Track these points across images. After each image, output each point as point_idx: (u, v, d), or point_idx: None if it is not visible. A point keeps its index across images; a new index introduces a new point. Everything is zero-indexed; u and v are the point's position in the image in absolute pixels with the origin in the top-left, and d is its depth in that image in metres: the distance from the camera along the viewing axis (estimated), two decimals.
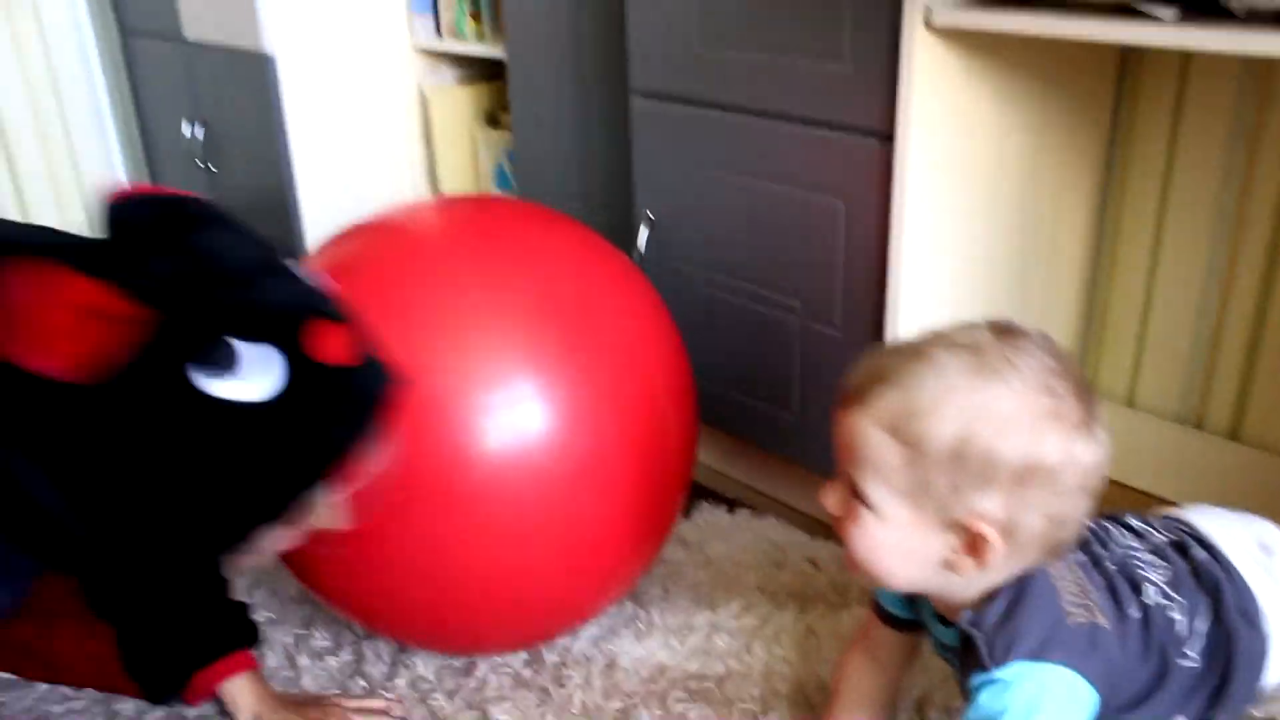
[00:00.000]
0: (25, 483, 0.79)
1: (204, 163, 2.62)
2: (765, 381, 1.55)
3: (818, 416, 1.50)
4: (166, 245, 0.81)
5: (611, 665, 1.31)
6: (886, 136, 1.28)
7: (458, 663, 1.32)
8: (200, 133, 2.59)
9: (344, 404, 0.87)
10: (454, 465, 1.08)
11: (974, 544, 0.88)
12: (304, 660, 1.34)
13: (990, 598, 0.92)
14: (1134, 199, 1.58)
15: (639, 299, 1.24)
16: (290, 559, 1.21)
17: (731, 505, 1.64)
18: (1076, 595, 0.92)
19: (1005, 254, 1.46)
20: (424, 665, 1.32)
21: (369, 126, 2.39)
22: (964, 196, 1.36)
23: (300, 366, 0.82)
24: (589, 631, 1.36)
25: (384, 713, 1.24)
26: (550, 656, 1.33)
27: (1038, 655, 0.88)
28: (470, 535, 1.11)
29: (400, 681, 1.30)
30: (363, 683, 1.30)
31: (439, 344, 1.10)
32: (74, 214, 2.94)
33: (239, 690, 1.20)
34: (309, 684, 1.30)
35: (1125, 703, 0.94)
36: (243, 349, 0.79)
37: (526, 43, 1.93)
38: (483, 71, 2.40)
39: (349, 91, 2.34)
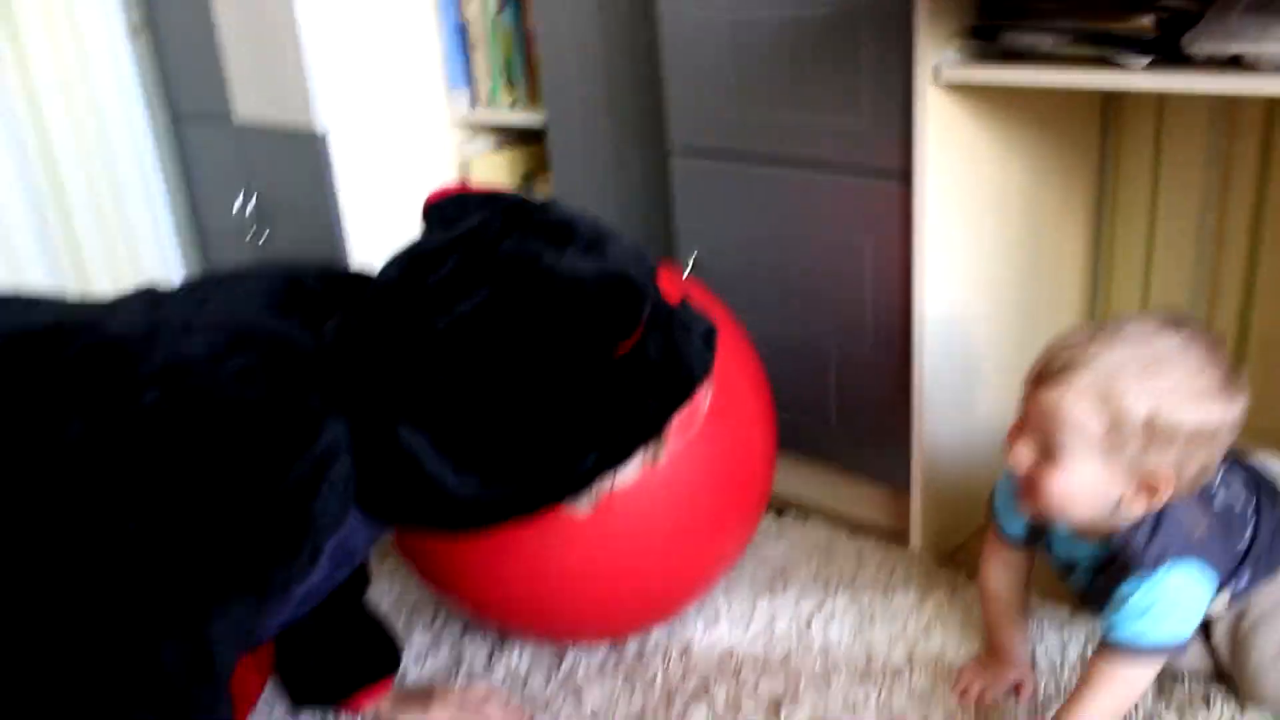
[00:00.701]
0: (418, 454, 0.91)
1: (255, 236, 2.82)
2: (806, 400, 1.73)
3: (853, 429, 1.69)
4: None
5: (686, 650, 1.48)
6: (904, 179, 1.48)
7: (549, 653, 1.49)
8: (251, 207, 2.79)
9: (689, 336, 1.01)
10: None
11: (1151, 490, 1.11)
12: (406, 658, 1.51)
13: (1137, 524, 1.15)
14: (1125, 223, 1.78)
15: (727, 332, 1.41)
16: (409, 553, 1.39)
17: (780, 511, 1.81)
18: (1190, 506, 1.17)
19: (1013, 276, 1.65)
20: (518, 657, 1.49)
21: (415, 196, 2.58)
22: (974, 227, 1.55)
23: (656, 309, 0.96)
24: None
25: (488, 699, 1.38)
26: (630, 646, 1.50)
27: (1179, 557, 1.13)
28: (574, 530, 1.28)
29: (499, 669, 1.47)
30: (464, 672, 1.47)
31: None
32: (128, 283, 3.12)
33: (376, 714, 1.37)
34: (411, 678, 1.47)
35: (1224, 578, 1.20)
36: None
37: (564, 108, 2.13)
38: (519, 137, 2.61)
39: (395, 164, 2.54)
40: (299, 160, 2.54)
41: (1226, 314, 1.70)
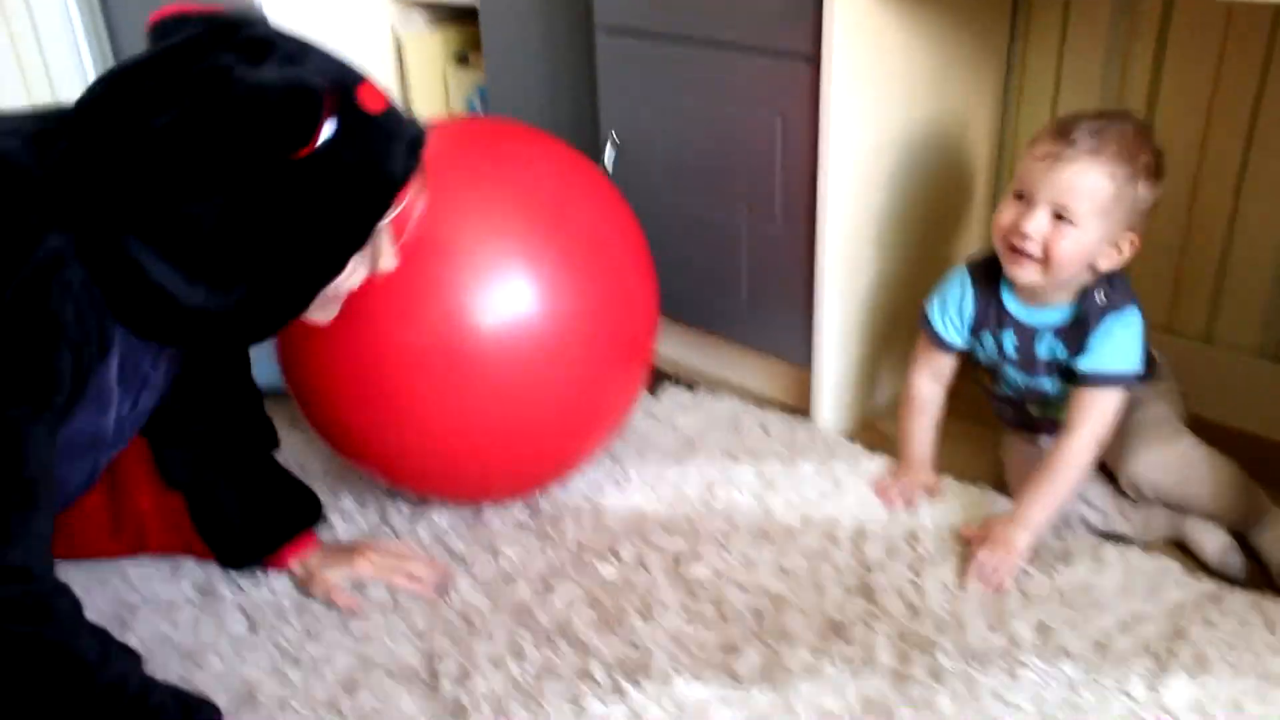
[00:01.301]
0: (143, 263, 0.99)
1: None
2: (719, 277, 1.81)
3: (764, 304, 1.77)
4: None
5: (598, 511, 1.58)
6: (814, 60, 1.53)
7: (468, 513, 1.58)
8: None
9: (390, 142, 1.07)
10: (459, 336, 1.32)
11: (1119, 250, 1.38)
12: (336, 518, 1.59)
13: (1096, 282, 1.41)
14: (1028, 111, 1.86)
15: (607, 199, 1.48)
16: (325, 432, 1.46)
17: (692, 386, 1.90)
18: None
19: (918, 158, 1.72)
20: (439, 517, 1.58)
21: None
22: (880, 108, 1.61)
23: (352, 117, 1.03)
24: (577, 486, 1.63)
25: (410, 557, 1.48)
26: (545, 506, 1.59)
27: (1132, 302, 1.41)
28: (474, 393, 1.35)
29: (421, 530, 1.56)
30: (389, 532, 1.56)
31: (444, 236, 1.33)
32: None
33: (306, 565, 1.46)
34: (342, 536, 1.56)
35: None
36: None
37: None
38: (451, 15, 2.62)
39: (329, 37, 2.54)
40: None
41: None
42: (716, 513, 1.56)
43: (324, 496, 1.62)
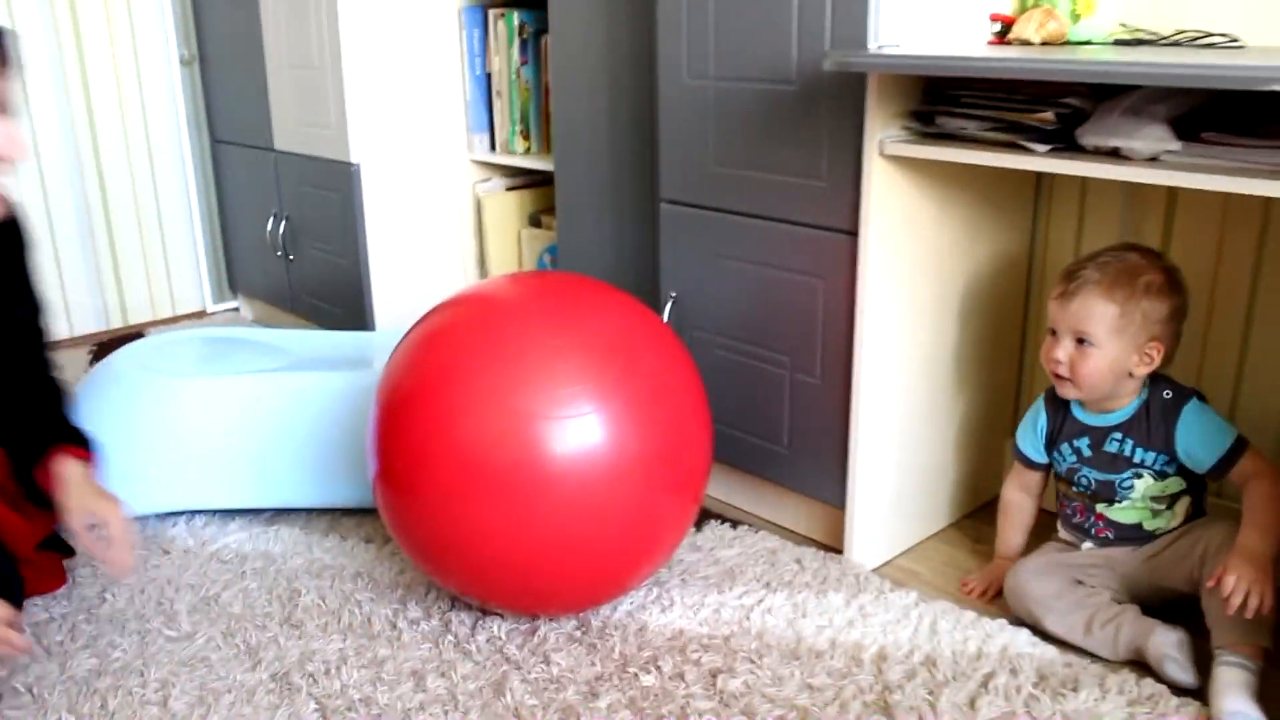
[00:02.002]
0: None
1: (283, 253, 3.08)
2: (761, 423, 1.98)
3: (803, 450, 1.93)
4: None
5: (643, 629, 1.72)
6: (852, 233, 1.73)
7: (524, 625, 1.73)
8: (282, 230, 3.05)
9: None
10: (532, 465, 1.50)
11: (1149, 358, 1.61)
12: (402, 624, 1.74)
13: (1145, 385, 1.66)
14: (1051, 283, 2.02)
15: (671, 348, 1.67)
16: (408, 542, 1.62)
17: (735, 524, 2.05)
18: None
19: (947, 321, 1.90)
20: (498, 626, 1.72)
21: (431, 224, 2.85)
22: (913, 275, 1.80)
23: None
24: (624, 606, 1.77)
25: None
26: (595, 623, 1.73)
27: (1196, 394, 1.66)
28: (543, 516, 1.52)
29: (480, 636, 1.70)
30: (452, 639, 1.70)
31: (523, 374, 1.52)
32: (161, 292, 3.40)
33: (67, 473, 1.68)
34: (409, 641, 1.70)
35: None
36: None
37: (571, 157, 2.39)
38: (528, 180, 2.88)
39: (416, 196, 2.81)
40: (331, 188, 2.80)
41: None
42: (751, 634, 1.69)
43: (392, 605, 1.79)
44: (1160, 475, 1.67)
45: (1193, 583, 1.63)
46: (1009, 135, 1.55)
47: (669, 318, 2.08)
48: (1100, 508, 1.72)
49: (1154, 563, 1.69)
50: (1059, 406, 1.75)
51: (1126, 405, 1.68)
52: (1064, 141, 1.51)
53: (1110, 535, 1.72)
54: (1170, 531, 1.70)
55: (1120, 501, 1.70)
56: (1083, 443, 1.72)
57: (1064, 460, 1.76)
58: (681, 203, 2.02)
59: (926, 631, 1.69)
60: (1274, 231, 1.73)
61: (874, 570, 1.91)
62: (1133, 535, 1.71)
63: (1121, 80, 1.36)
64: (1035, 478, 1.84)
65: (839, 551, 1.93)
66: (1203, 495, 1.73)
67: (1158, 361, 1.62)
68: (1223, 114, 1.42)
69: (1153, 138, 1.42)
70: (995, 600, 1.81)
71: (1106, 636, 1.62)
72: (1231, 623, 1.53)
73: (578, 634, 1.71)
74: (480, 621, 1.74)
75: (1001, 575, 1.79)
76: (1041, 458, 1.80)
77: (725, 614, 1.75)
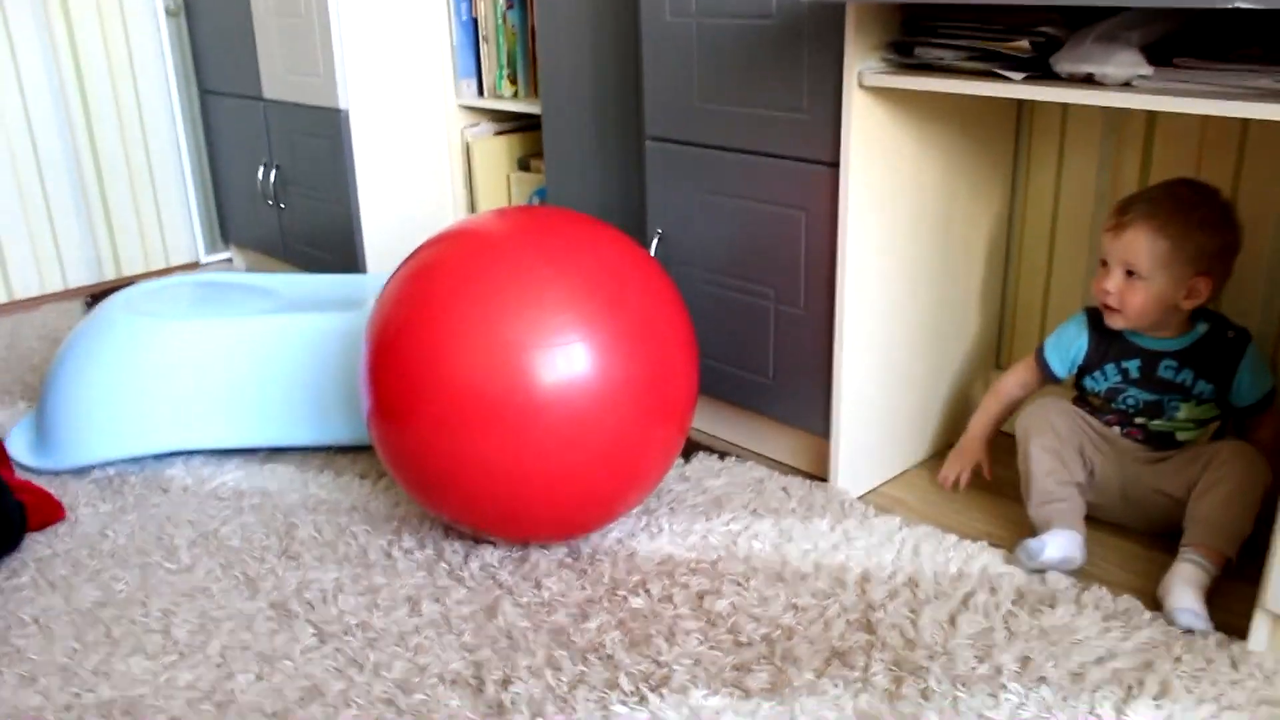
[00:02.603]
0: None
1: (274, 201, 3.10)
2: (747, 355, 2.01)
3: (789, 381, 1.97)
4: None
5: (632, 555, 1.76)
6: (834, 165, 1.76)
7: (515, 552, 1.77)
8: (273, 178, 3.07)
9: None
10: (521, 394, 1.54)
11: (1197, 292, 1.64)
12: (397, 554, 1.78)
13: (1199, 312, 1.70)
14: (1032, 215, 2.06)
15: (657, 280, 1.70)
16: (402, 474, 1.66)
17: (722, 455, 2.09)
18: None
19: (930, 253, 1.93)
20: (490, 554, 1.76)
21: (421, 170, 2.87)
22: (893, 210, 1.83)
23: None
24: (614, 534, 1.82)
25: None
26: (585, 549, 1.78)
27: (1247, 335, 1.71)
28: (533, 443, 1.56)
29: (474, 565, 1.74)
30: (445, 567, 1.74)
31: (510, 304, 1.55)
32: (154, 244, 3.42)
33: None
34: (403, 570, 1.74)
35: None
36: None
37: (558, 99, 2.41)
38: (516, 125, 2.89)
39: (405, 142, 2.83)
40: (320, 135, 2.82)
41: None
42: (737, 559, 1.74)
43: (386, 537, 1.83)
44: (1204, 402, 1.72)
45: (1188, 488, 1.68)
46: (985, 64, 1.57)
47: (656, 254, 2.10)
48: (1140, 420, 1.76)
49: (1161, 467, 1.75)
50: (1105, 330, 1.76)
51: (1183, 335, 1.71)
52: (1039, 69, 1.53)
53: (1140, 437, 1.77)
54: (1192, 444, 1.76)
55: (1162, 419, 1.75)
56: (1133, 364, 1.74)
57: (1105, 380, 1.77)
58: (667, 140, 2.04)
59: (909, 554, 1.74)
60: (1250, 155, 1.76)
61: (859, 498, 1.95)
62: (1161, 443, 1.76)
63: (1094, 2, 1.38)
64: (1038, 383, 1.87)
65: (824, 480, 1.97)
66: (1229, 422, 1.79)
67: (1205, 295, 1.65)
68: (1195, 40, 1.44)
69: (1126, 63, 1.44)
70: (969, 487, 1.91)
71: (1042, 510, 1.73)
72: (1203, 525, 1.61)
73: (568, 560, 1.75)
74: (473, 550, 1.78)
75: (975, 459, 1.88)
76: (1064, 373, 1.83)
77: (713, 540, 1.79)
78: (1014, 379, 1.88)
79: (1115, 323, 1.71)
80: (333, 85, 2.70)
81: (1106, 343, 1.76)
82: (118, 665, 1.53)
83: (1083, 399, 1.83)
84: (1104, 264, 1.69)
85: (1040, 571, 1.67)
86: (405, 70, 2.78)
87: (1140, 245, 1.63)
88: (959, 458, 1.91)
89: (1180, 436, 1.75)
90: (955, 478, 1.89)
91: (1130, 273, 1.65)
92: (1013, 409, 1.89)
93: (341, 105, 2.71)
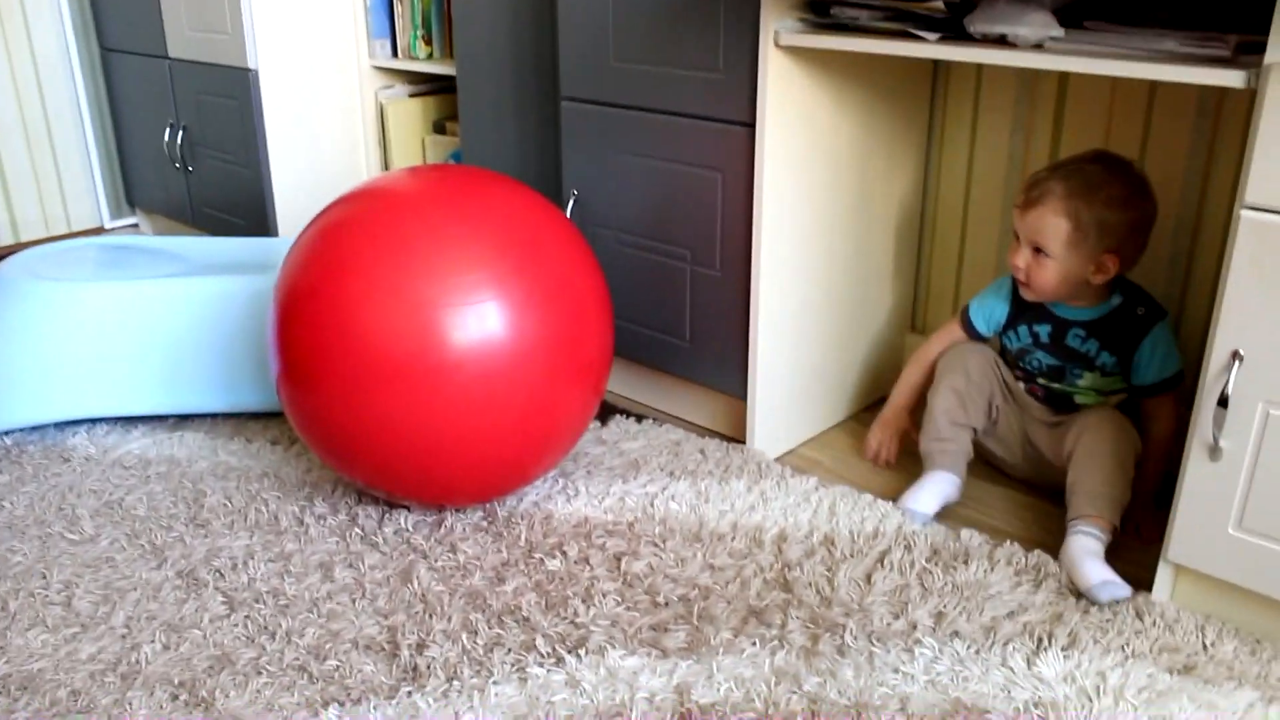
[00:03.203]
0: None
1: (182, 164, 3.01)
2: (663, 317, 2.01)
3: (705, 343, 1.96)
4: None
5: (548, 517, 1.75)
6: (750, 125, 1.75)
7: (430, 516, 1.75)
8: (180, 139, 2.98)
9: None
10: (432, 354, 1.51)
11: (1104, 269, 1.64)
12: (310, 520, 1.75)
13: (1113, 287, 1.71)
14: (948, 176, 2.08)
15: (570, 239, 1.68)
16: (313, 439, 1.63)
17: (639, 418, 2.09)
18: None
19: (846, 215, 1.93)
20: (404, 519, 1.74)
21: (334, 133, 2.81)
22: (809, 170, 1.83)
23: None
24: (530, 497, 1.80)
25: None
26: (501, 512, 1.76)
27: (1161, 314, 1.70)
28: (444, 406, 1.53)
29: (388, 529, 1.72)
30: (359, 532, 1.71)
31: (421, 263, 1.52)
32: (55, 208, 3.31)
33: None
34: (315, 536, 1.71)
35: None
36: None
37: (474, 60, 2.37)
38: (431, 87, 2.84)
39: (317, 103, 2.76)
40: (229, 95, 2.74)
41: None
42: (655, 520, 1.73)
43: (299, 503, 1.79)
44: (1109, 374, 1.74)
45: (1067, 457, 1.70)
46: (900, 24, 1.57)
47: (571, 216, 2.08)
48: (1043, 381, 1.79)
49: (1054, 431, 1.78)
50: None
51: (1095, 306, 1.71)
52: (953, 30, 1.53)
53: (1040, 395, 1.81)
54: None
55: (1063, 384, 1.77)
56: (1043, 329, 1.75)
57: (1018, 340, 1.80)
58: (582, 100, 2.01)
59: (825, 513, 1.75)
60: (1157, 117, 1.79)
61: (776, 459, 1.96)
62: (1060, 405, 1.79)
63: None
64: (966, 342, 1.87)
65: (741, 442, 1.97)
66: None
67: (1113, 271, 1.65)
68: (1105, 3, 1.46)
69: (1038, 24, 1.45)
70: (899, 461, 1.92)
71: (930, 446, 1.80)
72: (1086, 496, 1.63)
73: (484, 524, 1.73)
74: (387, 514, 1.76)
75: (899, 428, 1.90)
76: (988, 333, 1.84)
77: (630, 502, 1.79)
78: (938, 344, 1.87)
79: (1028, 296, 1.73)
80: (241, 44, 2.62)
81: (1024, 306, 1.78)
82: (14, 639, 1.48)
83: (1002, 352, 1.85)
84: (1016, 238, 1.70)
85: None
86: (317, 29, 2.71)
87: (1046, 225, 1.63)
88: (883, 428, 1.91)
89: (1079, 400, 1.78)
90: (879, 449, 1.90)
91: (1038, 250, 1.66)
92: (930, 378, 1.89)
93: (251, 65, 2.64)
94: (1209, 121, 1.73)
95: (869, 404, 2.16)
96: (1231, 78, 1.26)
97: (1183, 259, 1.81)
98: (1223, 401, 1.33)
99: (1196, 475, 1.40)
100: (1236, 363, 1.31)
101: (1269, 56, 1.20)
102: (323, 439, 1.62)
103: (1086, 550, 1.57)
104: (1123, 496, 1.64)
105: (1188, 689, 1.34)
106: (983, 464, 1.86)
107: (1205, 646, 1.43)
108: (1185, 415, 1.49)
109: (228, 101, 2.75)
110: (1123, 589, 1.51)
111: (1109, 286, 1.70)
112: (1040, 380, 1.79)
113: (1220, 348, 1.33)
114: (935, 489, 1.75)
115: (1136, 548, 1.65)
